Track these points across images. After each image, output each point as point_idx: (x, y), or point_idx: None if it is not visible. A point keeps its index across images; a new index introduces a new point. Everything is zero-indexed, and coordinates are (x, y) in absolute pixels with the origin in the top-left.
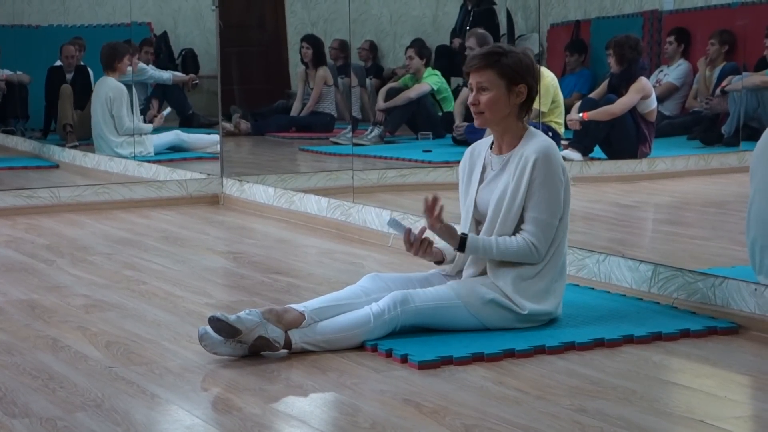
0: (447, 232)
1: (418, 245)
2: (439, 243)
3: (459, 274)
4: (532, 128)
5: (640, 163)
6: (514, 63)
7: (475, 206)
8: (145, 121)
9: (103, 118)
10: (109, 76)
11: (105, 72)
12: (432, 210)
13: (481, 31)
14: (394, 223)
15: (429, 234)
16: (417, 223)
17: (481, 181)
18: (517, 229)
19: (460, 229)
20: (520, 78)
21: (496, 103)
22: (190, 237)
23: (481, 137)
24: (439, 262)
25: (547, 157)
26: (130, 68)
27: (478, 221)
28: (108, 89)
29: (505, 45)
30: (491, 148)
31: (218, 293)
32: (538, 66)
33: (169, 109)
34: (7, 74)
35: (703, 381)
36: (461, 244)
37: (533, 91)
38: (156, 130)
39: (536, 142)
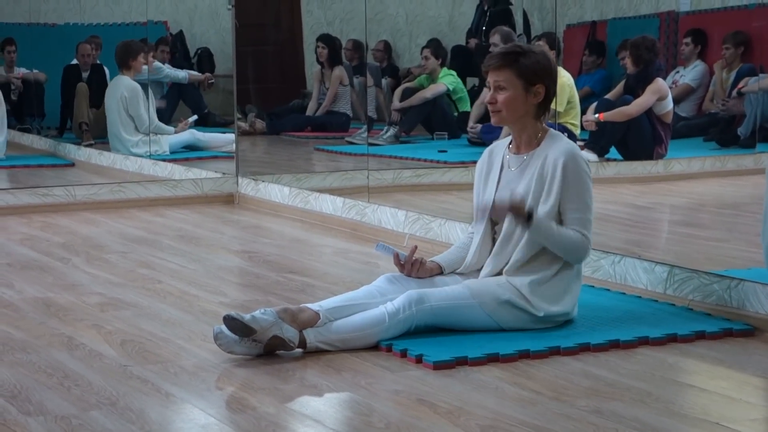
0: (430, 272)
1: (409, 266)
2: (435, 258)
3: (475, 273)
4: (552, 130)
5: (656, 165)
6: (533, 63)
7: (493, 206)
8: (167, 123)
9: (119, 117)
10: (124, 75)
11: (120, 71)
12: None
13: (505, 28)
14: (382, 247)
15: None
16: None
17: (498, 180)
18: None
19: (472, 228)
20: (537, 78)
21: (513, 103)
22: (205, 236)
23: (496, 137)
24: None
25: (575, 158)
26: (145, 67)
27: (494, 222)
28: (123, 89)
29: (524, 45)
30: (509, 147)
31: (233, 292)
32: (558, 66)
33: (195, 117)
34: (23, 72)
35: (718, 383)
36: (529, 217)
37: (551, 91)
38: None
39: (561, 144)
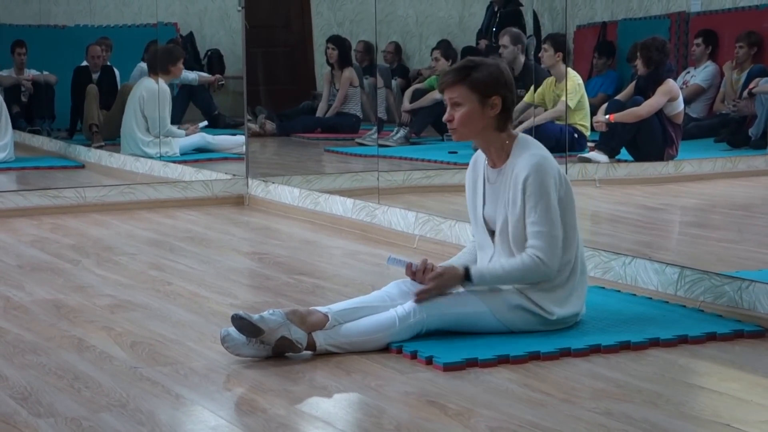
0: (446, 281)
1: (422, 275)
2: (445, 263)
3: None
4: (521, 136)
5: (667, 166)
6: (485, 76)
7: (485, 221)
8: (177, 124)
9: (134, 116)
10: (151, 77)
11: (150, 73)
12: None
13: (515, 29)
14: (393, 260)
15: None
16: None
17: (484, 194)
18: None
19: (472, 235)
20: (492, 90)
21: (470, 118)
22: (215, 237)
23: None
24: None
25: (537, 172)
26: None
27: (492, 231)
28: (143, 89)
29: (477, 58)
30: (487, 160)
31: (243, 294)
32: (567, 67)
33: (205, 122)
34: (33, 74)
35: (729, 385)
36: (466, 276)
37: (508, 101)
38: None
39: (526, 156)
